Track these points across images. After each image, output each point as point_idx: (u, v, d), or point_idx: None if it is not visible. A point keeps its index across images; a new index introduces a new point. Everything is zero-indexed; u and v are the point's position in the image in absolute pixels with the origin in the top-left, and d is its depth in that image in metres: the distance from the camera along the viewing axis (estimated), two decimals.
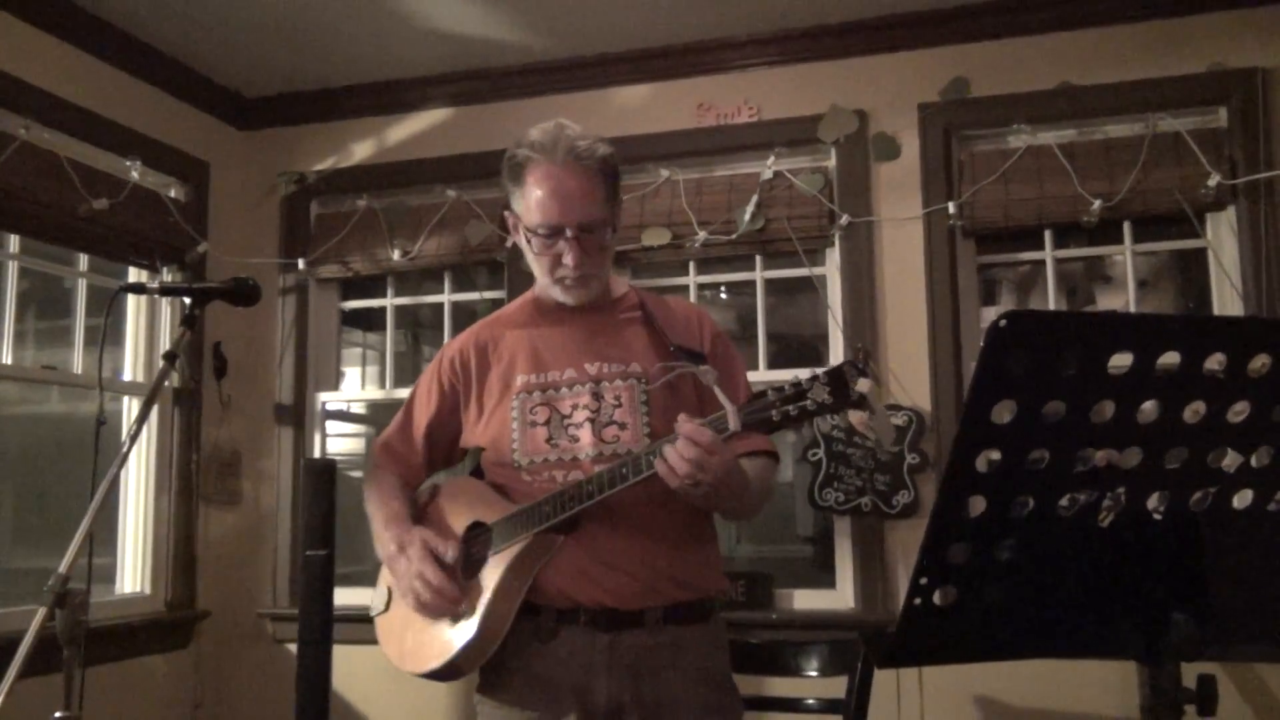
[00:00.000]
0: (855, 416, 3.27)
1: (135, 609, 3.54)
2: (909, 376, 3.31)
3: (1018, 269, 3.70)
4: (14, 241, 3.27)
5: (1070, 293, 3.65)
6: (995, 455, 1.05)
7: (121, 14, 3.35)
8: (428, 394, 1.97)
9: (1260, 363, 1.07)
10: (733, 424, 1.56)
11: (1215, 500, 1.13)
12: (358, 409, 4.49)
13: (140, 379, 3.67)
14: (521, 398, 1.84)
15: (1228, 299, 3.17)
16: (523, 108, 3.71)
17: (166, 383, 3.57)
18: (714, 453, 1.56)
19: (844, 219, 3.40)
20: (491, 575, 1.76)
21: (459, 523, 1.87)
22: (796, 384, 1.51)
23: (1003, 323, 0.99)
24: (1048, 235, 3.34)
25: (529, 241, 1.82)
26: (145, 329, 3.70)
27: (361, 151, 3.93)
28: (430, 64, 3.72)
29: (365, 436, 4.73)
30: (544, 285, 1.87)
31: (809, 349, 3.88)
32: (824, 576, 3.46)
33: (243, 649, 3.80)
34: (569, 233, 1.76)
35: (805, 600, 3.41)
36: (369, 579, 3.61)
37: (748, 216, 3.43)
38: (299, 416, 3.89)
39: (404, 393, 3.76)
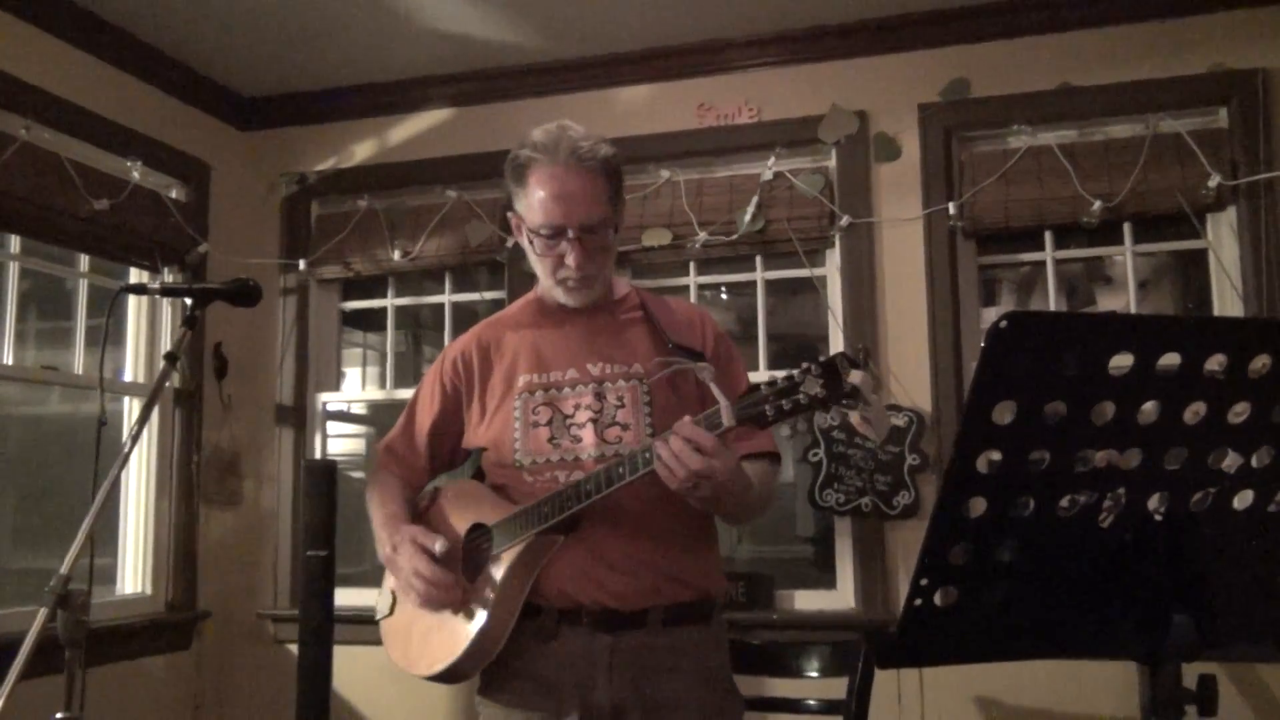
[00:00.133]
0: (854, 417, 3.27)
1: (136, 610, 3.54)
2: (909, 377, 3.31)
3: (1018, 270, 3.71)
4: (15, 242, 3.27)
5: (1070, 293, 3.65)
6: (996, 456, 1.05)
7: (123, 14, 3.35)
8: (430, 395, 1.97)
9: (1260, 363, 1.07)
10: (726, 419, 1.56)
11: (1215, 501, 1.13)
12: (358, 410, 4.49)
13: (141, 380, 3.67)
14: (524, 398, 1.84)
15: (1228, 300, 3.17)
16: (523, 108, 3.71)
17: (167, 383, 3.57)
18: (715, 455, 1.56)
19: (844, 220, 3.40)
20: (493, 577, 1.76)
21: (460, 525, 1.87)
22: (789, 377, 1.51)
23: (1003, 324, 0.99)
24: (1048, 236, 3.34)
25: (531, 242, 1.82)
26: (146, 329, 3.70)
27: (362, 152, 3.93)
28: (431, 64, 3.72)
29: (366, 437, 4.73)
30: (547, 286, 1.87)
31: (809, 350, 3.89)
32: (825, 577, 3.46)
33: (243, 650, 3.80)
34: (571, 234, 1.76)
35: (806, 601, 3.41)
36: (369, 580, 3.64)
37: (748, 217, 3.43)
38: (300, 417, 3.89)
39: (404, 393, 3.80)
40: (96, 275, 3.56)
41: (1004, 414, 1.02)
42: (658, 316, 1.88)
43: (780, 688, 2.61)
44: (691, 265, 3.63)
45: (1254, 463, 1.13)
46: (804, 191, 3.44)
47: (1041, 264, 3.38)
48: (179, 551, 3.67)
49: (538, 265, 1.85)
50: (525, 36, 3.50)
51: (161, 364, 1.84)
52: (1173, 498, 1.13)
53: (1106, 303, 3.71)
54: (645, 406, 1.80)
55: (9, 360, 3.23)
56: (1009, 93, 3.32)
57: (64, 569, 1.57)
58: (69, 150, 3.26)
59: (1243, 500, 1.15)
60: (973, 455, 1.04)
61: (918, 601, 1.09)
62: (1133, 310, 3.37)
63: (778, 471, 1.89)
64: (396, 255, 3.78)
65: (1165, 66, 3.20)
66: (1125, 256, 3.33)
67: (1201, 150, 3.12)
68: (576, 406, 1.81)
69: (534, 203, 1.77)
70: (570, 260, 1.78)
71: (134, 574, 3.62)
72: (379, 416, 4.51)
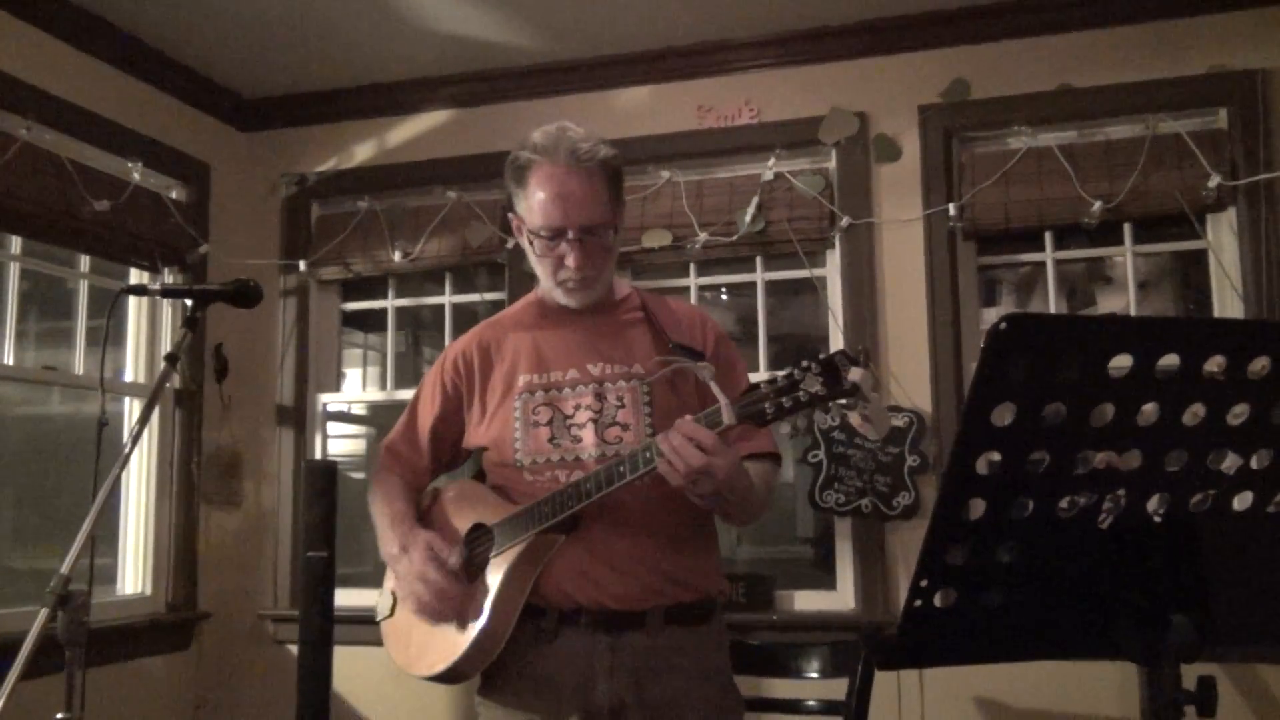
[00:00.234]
0: (855, 417, 3.27)
1: (136, 610, 3.55)
2: (909, 378, 3.31)
3: (1018, 270, 3.71)
4: (15, 243, 3.27)
5: (1071, 294, 3.65)
6: (995, 457, 1.05)
7: (123, 15, 3.35)
8: (431, 395, 1.97)
9: (1260, 365, 1.07)
10: (727, 418, 1.56)
11: (1215, 502, 1.14)
12: (358, 410, 4.49)
13: (141, 380, 3.67)
14: (524, 398, 1.84)
15: (1228, 300, 3.17)
16: (523, 109, 3.71)
17: (168, 384, 3.57)
18: (715, 452, 1.56)
19: (844, 220, 3.40)
20: (494, 577, 1.77)
21: (461, 525, 1.88)
22: (789, 375, 1.51)
23: (1003, 325, 0.99)
24: (1048, 237, 3.34)
25: (531, 244, 1.82)
26: (146, 330, 3.70)
27: (362, 153, 3.93)
28: (431, 65, 3.72)
29: (366, 438, 4.73)
30: (547, 287, 1.87)
31: (810, 351, 3.88)
32: (824, 578, 3.46)
33: (244, 650, 3.80)
34: (571, 235, 1.77)
35: (806, 601, 3.41)
36: (369, 580, 3.65)
37: (748, 218, 3.43)
38: (300, 418, 3.89)
39: (404, 394, 3.80)
40: (97, 276, 3.56)
41: (1004, 415, 1.02)
42: (658, 317, 1.88)
43: (780, 688, 2.61)
44: (692, 266, 3.63)
45: (1253, 464, 1.13)
46: (804, 192, 3.44)
47: (1041, 265, 3.38)
48: (179, 552, 3.67)
49: (538, 266, 1.85)
50: (525, 37, 3.50)
51: (162, 365, 1.84)
52: (1172, 499, 1.13)
53: (1106, 303, 3.72)
54: (645, 407, 1.80)
55: (9, 360, 3.23)
56: (1009, 94, 3.32)
57: (64, 569, 1.58)
58: (70, 151, 3.26)
59: (1242, 501, 1.15)
60: (972, 456, 1.04)
61: (917, 602, 1.09)
62: (1133, 311, 3.37)
63: (778, 472, 1.89)
64: (397, 256, 3.79)
65: (1165, 67, 3.21)
66: (1125, 257, 3.33)
67: (1201, 151, 3.12)
68: (577, 407, 1.82)
69: (534, 204, 1.78)
70: (570, 261, 1.78)
71: (134, 574, 3.62)
72: (379, 417, 4.51)
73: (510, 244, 3.53)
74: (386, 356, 4.05)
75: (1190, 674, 1.14)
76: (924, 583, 1.09)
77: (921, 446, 3.22)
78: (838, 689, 2.47)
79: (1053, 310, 3.35)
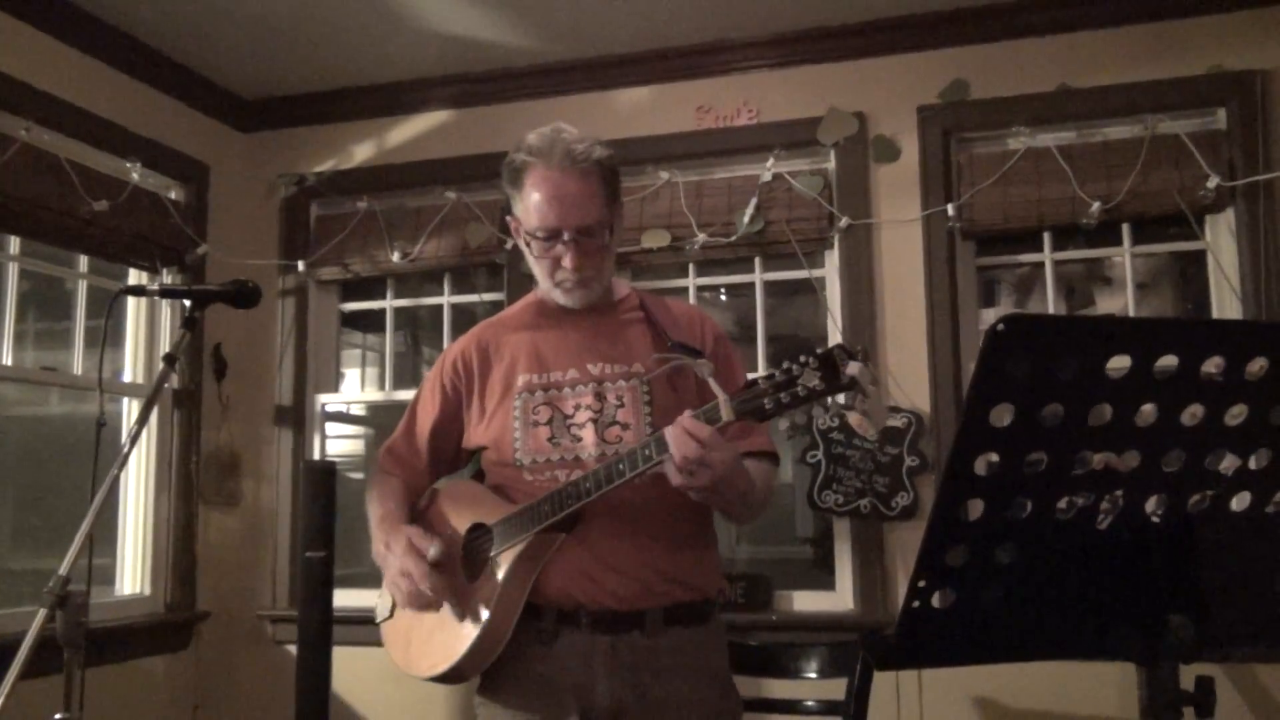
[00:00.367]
0: (854, 418, 3.27)
1: (135, 610, 3.54)
2: (908, 378, 3.32)
3: (1017, 271, 3.71)
4: (14, 243, 3.27)
5: (1069, 294, 3.65)
6: (994, 458, 1.05)
7: (122, 16, 3.35)
8: (431, 397, 1.97)
9: (1258, 366, 1.07)
10: (725, 414, 1.56)
11: (1213, 503, 1.14)
12: (357, 410, 4.49)
13: (140, 380, 3.67)
14: (524, 397, 1.85)
15: (1226, 301, 3.18)
16: (522, 110, 3.71)
17: (166, 384, 3.57)
18: (712, 446, 1.56)
19: (843, 221, 3.40)
20: (494, 577, 1.77)
21: (460, 525, 1.88)
22: (787, 370, 1.51)
23: (1001, 326, 0.99)
24: (1047, 237, 3.34)
25: (529, 245, 1.83)
26: (145, 330, 3.70)
27: (361, 153, 3.93)
28: (430, 66, 3.72)
29: (365, 438, 4.73)
30: (545, 288, 1.87)
31: (809, 351, 3.87)
32: (823, 578, 3.46)
33: (242, 650, 3.80)
34: (567, 236, 1.77)
35: (804, 602, 3.41)
36: (368, 581, 3.65)
37: (747, 219, 3.44)
38: (299, 418, 3.89)
39: (403, 394, 3.81)
40: (96, 276, 3.56)
41: (1002, 416, 1.02)
42: (657, 317, 1.88)
43: (779, 689, 2.61)
44: (691, 267, 3.63)
45: (1251, 464, 1.13)
46: (803, 193, 3.44)
47: (1040, 265, 3.39)
48: (178, 552, 3.67)
49: (535, 267, 1.86)
50: (525, 38, 3.50)
51: (161, 365, 1.84)
52: (1170, 499, 1.13)
53: (1105, 304, 3.72)
54: (645, 406, 1.80)
55: (8, 361, 3.23)
56: (1008, 94, 3.33)
57: (63, 569, 1.58)
58: (68, 151, 3.26)
59: (1240, 502, 1.15)
60: (971, 457, 1.04)
61: (916, 603, 1.09)
62: (1131, 312, 3.38)
63: (776, 471, 1.89)
64: (396, 257, 3.79)
65: (1164, 68, 3.21)
66: (1124, 258, 3.34)
67: (1200, 151, 3.12)
68: (577, 406, 1.82)
69: (530, 205, 1.78)
70: (566, 262, 1.79)
71: (133, 574, 3.62)
72: (378, 417, 4.51)
73: (509, 245, 3.53)
74: (385, 357, 4.05)
75: (1189, 674, 1.14)
76: (922, 583, 1.09)
77: (920, 447, 3.22)
78: (836, 689, 2.47)
79: (1051, 311, 3.35)
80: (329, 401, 3.98)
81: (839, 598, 3.36)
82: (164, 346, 3.69)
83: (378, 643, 1.95)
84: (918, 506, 3.20)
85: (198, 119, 3.84)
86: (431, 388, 1.98)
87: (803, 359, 1.50)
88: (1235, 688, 2.93)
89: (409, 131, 3.89)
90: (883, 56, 3.45)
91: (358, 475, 4.41)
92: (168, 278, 3.71)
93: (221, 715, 3.76)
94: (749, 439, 1.81)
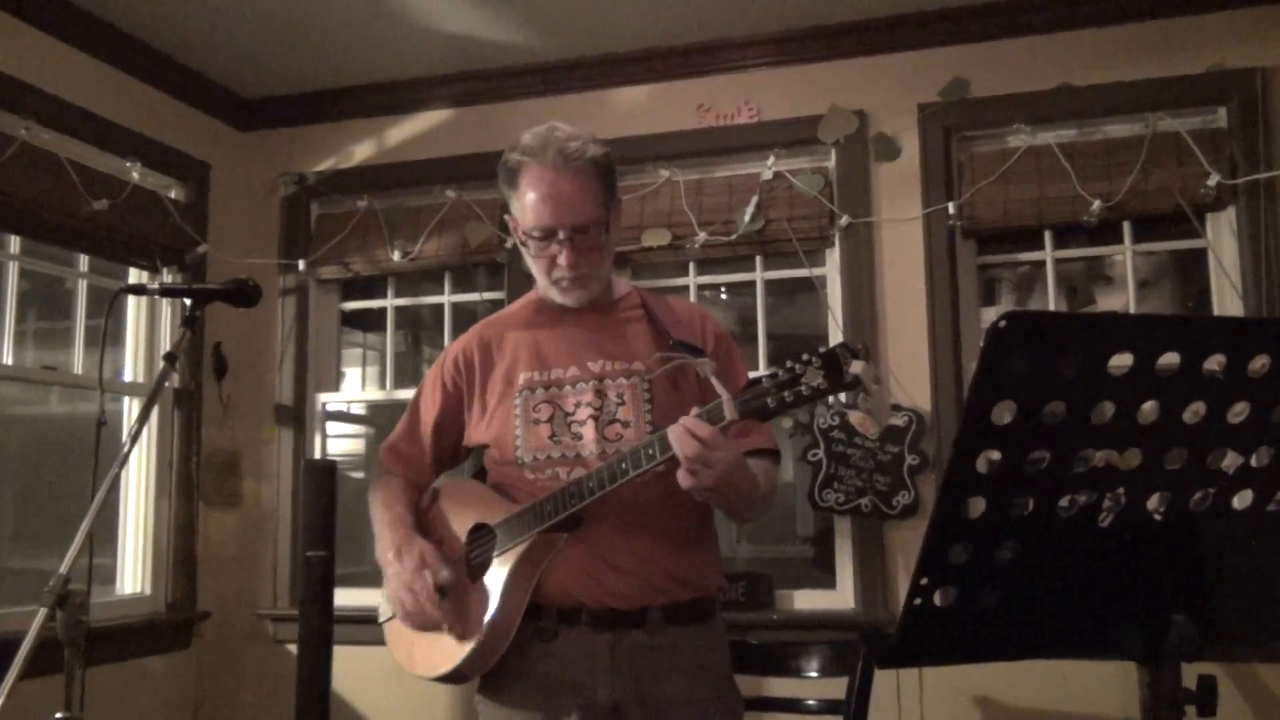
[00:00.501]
0: (856, 416, 3.27)
1: (136, 610, 3.54)
2: (909, 377, 3.31)
3: (1018, 269, 3.71)
4: (14, 242, 3.27)
5: (1070, 293, 3.65)
6: (995, 456, 1.05)
7: (122, 15, 3.35)
8: (432, 394, 1.97)
9: (1260, 363, 1.07)
10: (729, 413, 1.56)
11: (1215, 500, 1.14)
12: (358, 410, 4.49)
13: (140, 380, 3.67)
14: (525, 395, 1.85)
15: (1228, 299, 3.17)
16: (523, 108, 3.71)
17: (167, 383, 3.57)
18: (715, 447, 1.56)
19: (844, 219, 3.40)
20: (497, 577, 1.77)
21: (461, 525, 1.87)
22: (790, 369, 1.51)
23: (1002, 324, 0.99)
24: (1048, 235, 3.34)
25: (526, 244, 1.83)
26: (145, 330, 3.70)
27: (362, 152, 3.93)
28: (431, 65, 3.72)
29: (365, 437, 4.73)
30: (544, 287, 1.88)
31: (812, 350, 3.87)
32: (824, 577, 3.46)
33: (243, 650, 3.80)
34: (562, 235, 1.77)
35: (805, 600, 3.41)
36: (369, 580, 3.64)
37: (748, 217, 3.43)
38: (299, 417, 3.89)
39: (404, 394, 3.81)
40: (96, 275, 3.56)
41: (1003, 414, 1.02)
42: (658, 315, 1.89)
43: (780, 687, 2.61)
44: (691, 265, 3.63)
45: (1253, 462, 1.13)
46: (803, 191, 3.44)
47: (1041, 263, 3.38)
48: (178, 551, 3.67)
49: (533, 267, 1.86)
50: (525, 36, 3.50)
51: (161, 364, 1.84)
52: (1172, 497, 1.13)
53: (1106, 302, 3.72)
54: (646, 404, 1.80)
55: (8, 360, 3.23)
56: (1008, 92, 3.32)
57: (63, 569, 1.57)
58: (68, 150, 3.26)
59: (1242, 500, 1.15)
60: (972, 455, 1.04)
61: (917, 601, 1.09)
62: (1132, 310, 3.37)
63: (778, 468, 1.89)
64: (396, 256, 3.78)
65: (1164, 66, 3.20)
66: (1125, 256, 3.33)
67: (1201, 150, 3.12)
68: (577, 404, 1.82)
69: (525, 205, 1.79)
70: (562, 261, 1.79)
71: (133, 574, 3.62)
72: (378, 417, 4.51)
73: (509, 243, 3.53)
74: (386, 356, 4.05)
75: (1190, 673, 1.14)
76: (924, 581, 1.09)
77: (921, 445, 3.22)
78: (837, 688, 2.46)
79: (1052, 309, 3.35)
80: (329, 401, 3.98)
81: (840, 596, 3.36)
82: (164, 346, 3.69)
83: (379, 642, 1.94)
84: (919, 505, 3.20)
85: (198, 118, 3.84)
86: (433, 385, 1.98)
87: (806, 358, 1.50)
88: (1237, 687, 2.93)
89: (409, 130, 3.89)
90: (883, 55, 3.45)
91: (358, 474, 4.41)
92: (168, 277, 3.71)
93: (222, 715, 3.76)
94: (751, 437, 1.81)
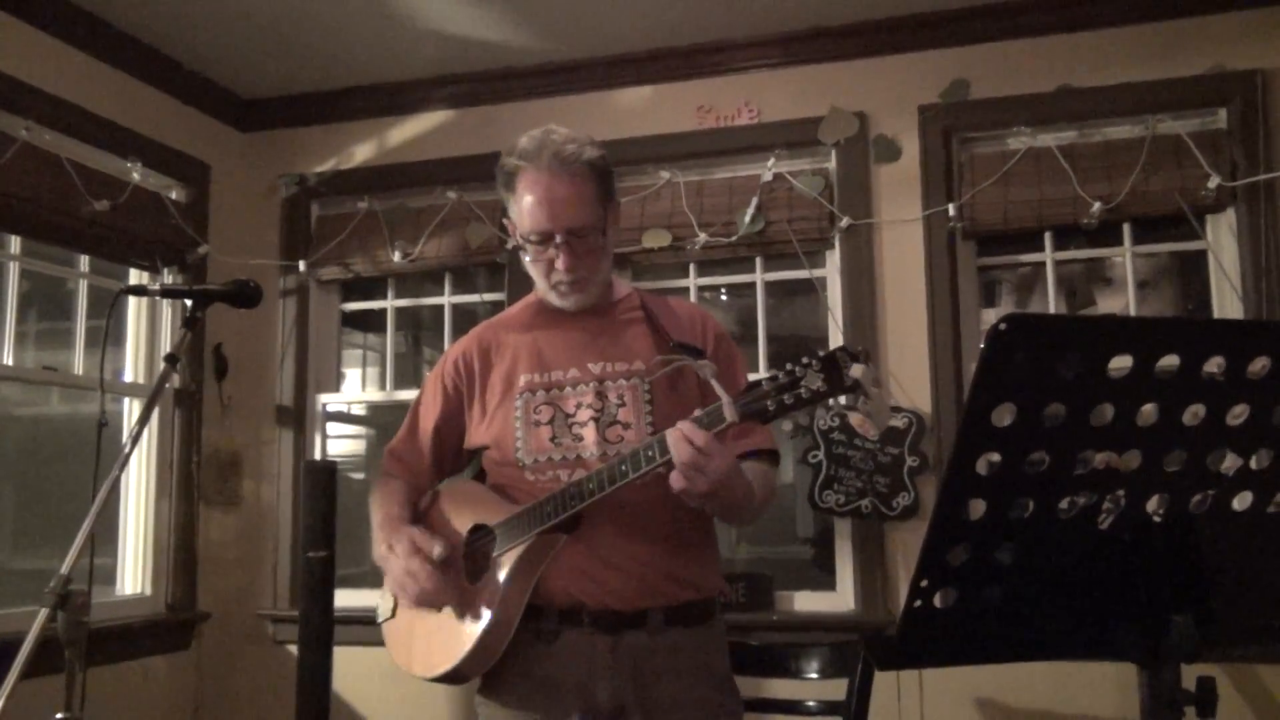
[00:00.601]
0: (855, 418, 3.27)
1: (136, 610, 3.54)
2: (909, 378, 3.31)
3: (1018, 271, 3.71)
4: (15, 243, 3.27)
5: (1070, 294, 3.66)
6: (995, 458, 1.05)
7: (123, 16, 3.35)
8: (432, 397, 1.98)
9: (1259, 365, 1.07)
10: (729, 415, 1.56)
11: (1215, 502, 1.14)
12: (358, 410, 4.49)
13: (141, 380, 3.67)
14: (525, 397, 1.85)
15: (1228, 301, 3.17)
16: (523, 110, 3.71)
17: (167, 384, 3.57)
18: (710, 454, 1.56)
19: (844, 221, 3.40)
20: (496, 577, 1.77)
21: (461, 526, 1.88)
22: (790, 371, 1.52)
23: (1002, 326, 0.99)
24: (1048, 237, 3.34)
25: (524, 248, 1.83)
26: (146, 330, 3.70)
27: (362, 153, 3.93)
28: (431, 66, 3.72)
29: (366, 438, 4.73)
30: (543, 290, 1.88)
31: (811, 353, 3.87)
32: (824, 578, 3.46)
33: (243, 650, 3.80)
34: (559, 238, 1.78)
35: (805, 602, 3.41)
36: (369, 581, 3.65)
37: (748, 218, 3.43)
38: (299, 418, 3.89)
39: (404, 394, 3.81)
40: (97, 276, 3.56)
41: (1003, 416, 1.02)
42: (658, 316, 1.89)
43: (780, 689, 2.61)
44: (691, 267, 3.63)
45: (1253, 464, 1.13)
46: (804, 193, 3.44)
47: (1041, 265, 3.39)
48: (179, 552, 3.67)
49: (532, 270, 1.87)
50: (525, 38, 3.50)
51: (162, 365, 1.84)
52: (1172, 499, 1.13)
53: (1106, 304, 3.72)
54: (646, 405, 1.80)
55: (9, 361, 3.23)
56: (1008, 94, 3.32)
57: (64, 569, 1.58)
58: (69, 151, 3.26)
59: (1242, 502, 1.15)
60: (972, 457, 1.04)
61: (917, 603, 1.09)
62: (1132, 311, 3.38)
63: (776, 470, 1.89)
64: (396, 256, 3.79)
65: (1165, 68, 3.21)
66: (1125, 258, 3.34)
67: (1201, 151, 3.12)
68: (578, 405, 1.82)
69: (523, 209, 1.79)
70: (560, 264, 1.79)
71: (134, 574, 3.62)
72: (379, 418, 4.51)
73: (510, 244, 3.52)
74: (386, 357, 4.05)
75: (1190, 674, 1.14)
76: (924, 583, 1.09)
77: (921, 447, 3.22)
78: (837, 689, 2.47)
79: (1052, 310, 3.35)
80: (330, 401, 3.98)
81: (840, 598, 3.36)
82: (165, 346, 3.69)
83: (379, 643, 1.94)
84: (919, 506, 3.20)
85: (199, 119, 3.84)
86: (433, 388, 1.98)
87: (805, 360, 1.51)
88: (1237, 688, 2.93)
89: (410, 131, 3.89)
90: (884, 56, 3.45)
91: (359, 475, 4.41)
92: (169, 278, 3.71)
93: (222, 715, 3.76)
94: (750, 438, 1.81)
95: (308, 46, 3.56)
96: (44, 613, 1.55)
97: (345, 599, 3.20)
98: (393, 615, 1.93)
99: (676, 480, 1.59)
